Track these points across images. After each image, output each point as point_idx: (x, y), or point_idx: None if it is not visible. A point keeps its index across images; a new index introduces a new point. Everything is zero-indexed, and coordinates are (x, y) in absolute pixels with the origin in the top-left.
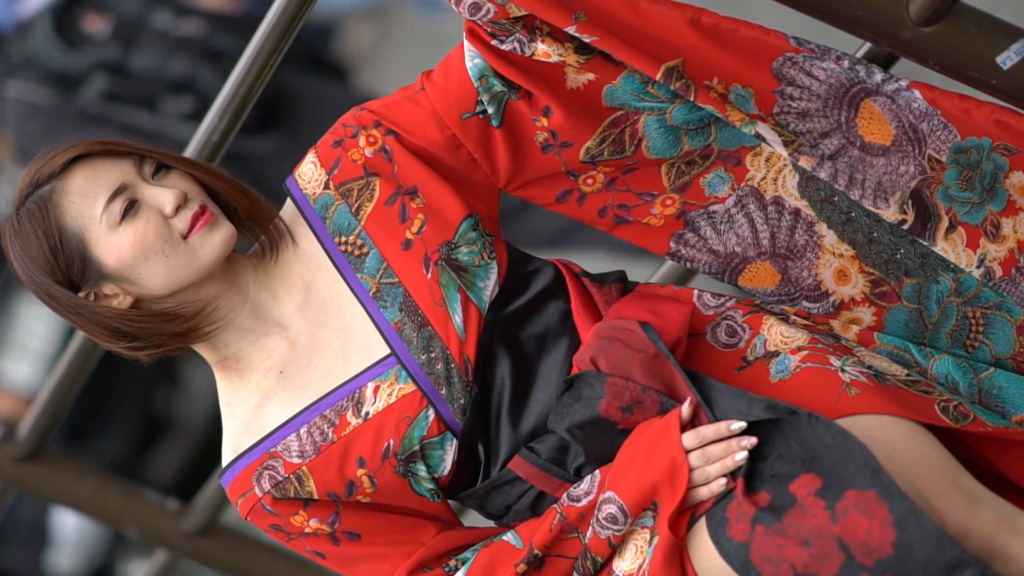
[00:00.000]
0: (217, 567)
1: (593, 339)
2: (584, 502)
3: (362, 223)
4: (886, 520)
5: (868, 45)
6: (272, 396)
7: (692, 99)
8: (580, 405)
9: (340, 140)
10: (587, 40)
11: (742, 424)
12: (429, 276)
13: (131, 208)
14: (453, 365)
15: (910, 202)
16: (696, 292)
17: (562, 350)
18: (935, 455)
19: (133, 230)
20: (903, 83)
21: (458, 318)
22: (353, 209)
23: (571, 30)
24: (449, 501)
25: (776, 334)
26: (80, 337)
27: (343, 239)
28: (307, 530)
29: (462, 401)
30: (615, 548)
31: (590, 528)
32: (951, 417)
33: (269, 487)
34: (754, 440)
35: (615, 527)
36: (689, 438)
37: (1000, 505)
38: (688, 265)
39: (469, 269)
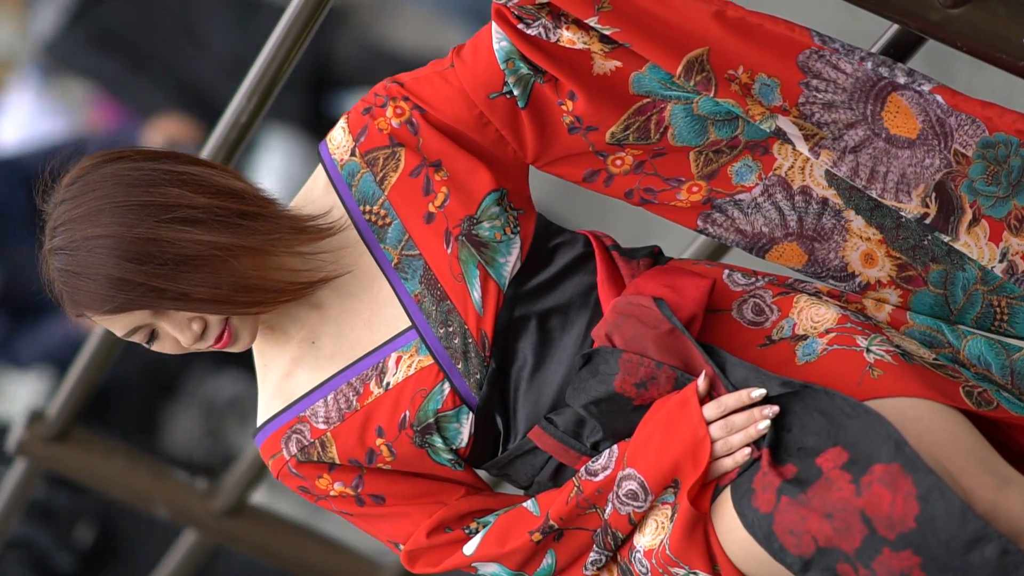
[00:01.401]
0: (245, 547)
1: (610, 315)
2: (601, 476)
3: (386, 193)
4: (910, 493)
5: (896, 27)
6: (303, 363)
7: (712, 94)
8: (596, 381)
9: (369, 108)
10: (608, 32)
11: (762, 391)
12: (449, 251)
13: (151, 340)
14: (470, 340)
15: (933, 195)
16: (727, 271)
17: (584, 324)
18: (965, 435)
19: (158, 347)
20: (926, 87)
21: (476, 294)
22: (378, 178)
23: (593, 21)
24: (477, 472)
25: (806, 318)
26: None
27: (368, 208)
28: (332, 493)
29: (478, 376)
30: (635, 524)
31: (609, 504)
32: (975, 402)
33: (295, 451)
34: (776, 408)
35: (635, 503)
36: (711, 408)
37: None
38: (717, 240)
39: (490, 244)
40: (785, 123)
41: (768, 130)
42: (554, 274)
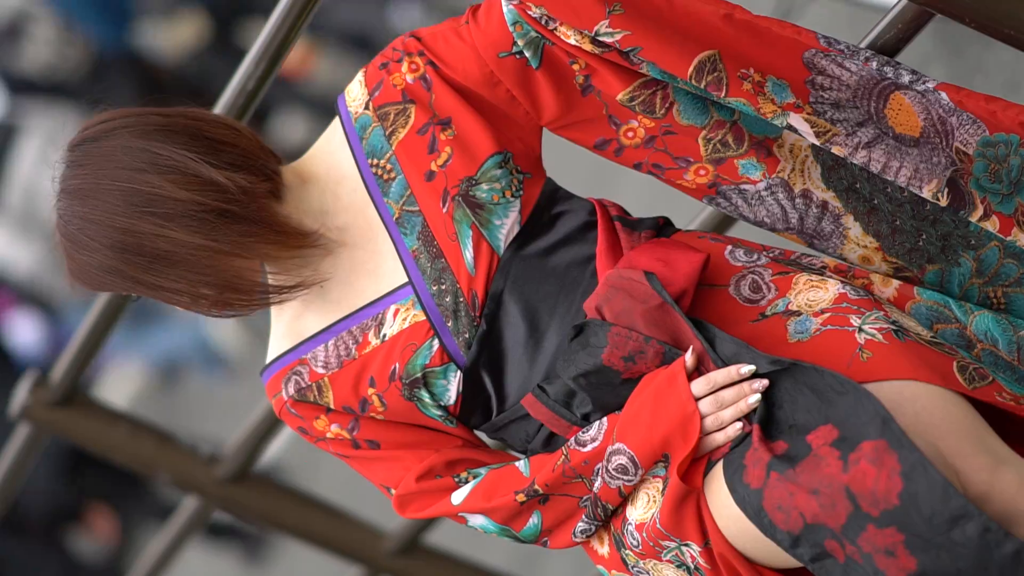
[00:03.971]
0: (249, 514)
1: (601, 287)
2: (589, 448)
3: (393, 148)
4: (894, 470)
5: (904, 1)
6: (311, 307)
7: (723, 94)
8: (585, 353)
9: (386, 63)
10: (616, 36)
11: (751, 367)
12: (445, 210)
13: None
14: (461, 299)
15: (946, 190)
16: (730, 246)
17: (579, 294)
18: (962, 415)
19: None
20: (930, 84)
21: (469, 254)
22: (387, 133)
23: (603, 25)
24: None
25: (803, 299)
26: None
27: (375, 161)
28: (328, 434)
29: (467, 335)
30: (625, 497)
31: (599, 477)
32: (967, 377)
33: (292, 391)
34: (765, 382)
35: (625, 477)
36: (699, 385)
37: None
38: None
39: (486, 206)
40: (797, 120)
41: (780, 126)
42: (555, 241)
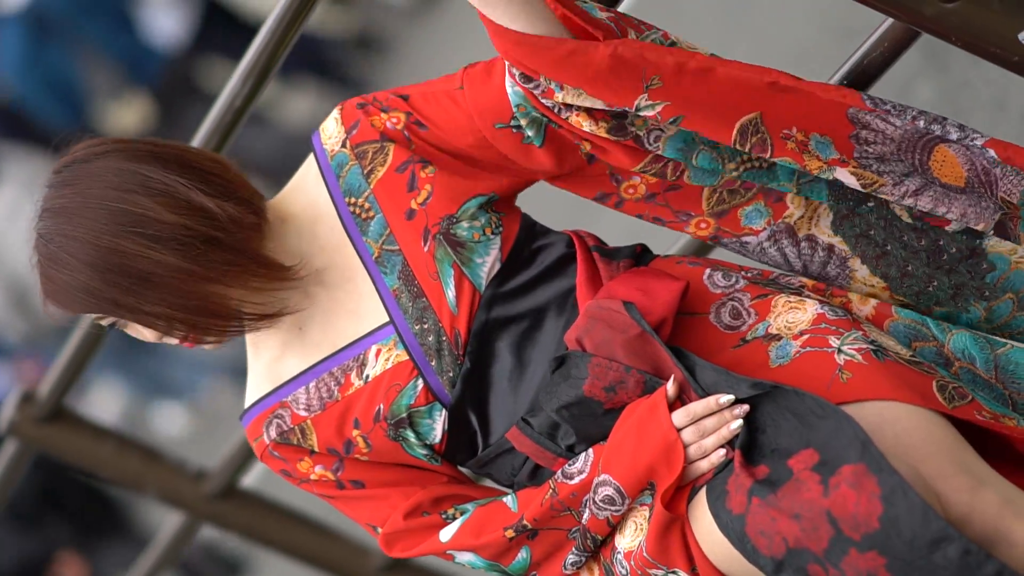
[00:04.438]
0: (235, 530)
1: (581, 319)
2: (576, 480)
3: (371, 186)
4: (874, 493)
5: (891, 21)
6: (290, 349)
7: (768, 155)
8: (567, 385)
9: (365, 105)
10: (657, 108)
11: (730, 397)
12: (426, 249)
13: (119, 327)
14: (444, 338)
15: (992, 232)
16: (708, 271)
17: (561, 326)
18: (941, 435)
19: (131, 333)
20: (979, 141)
21: (451, 293)
22: (365, 171)
23: (642, 99)
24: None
25: (782, 322)
26: None
27: (353, 200)
28: (312, 476)
29: (451, 374)
30: (614, 527)
31: (587, 509)
32: (946, 396)
33: (275, 435)
34: (746, 407)
35: (612, 508)
36: (679, 416)
37: (1007, 489)
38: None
39: (467, 244)
40: (843, 174)
41: (827, 178)
42: (535, 276)
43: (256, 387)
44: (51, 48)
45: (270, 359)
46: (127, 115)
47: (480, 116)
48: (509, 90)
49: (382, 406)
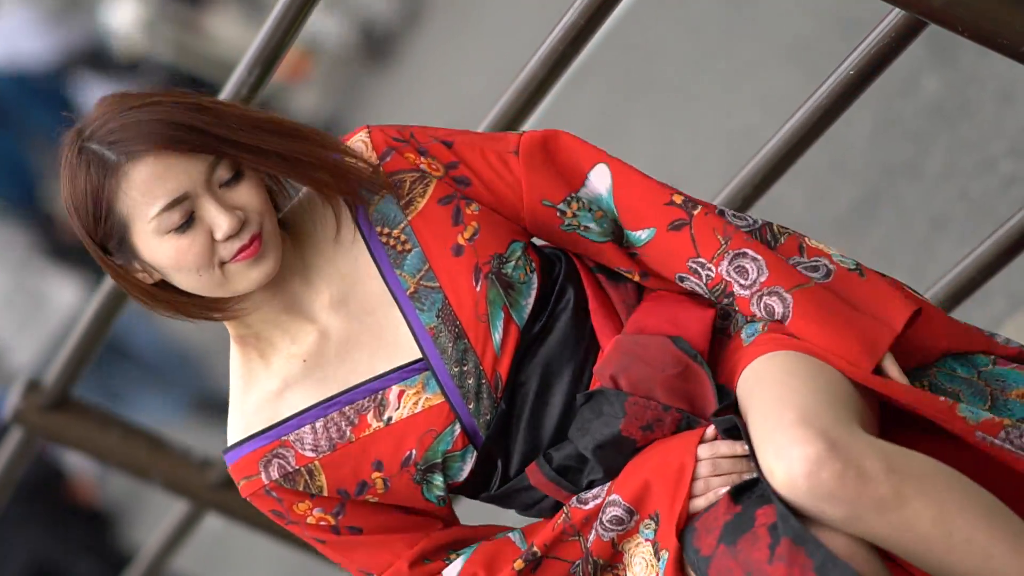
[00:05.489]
0: (240, 519)
1: (614, 354)
2: (591, 505)
3: (409, 219)
4: (807, 566)
5: (897, 11)
6: (292, 383)
7: None
8: (600, 423)
9: (401, 142)
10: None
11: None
12: (478, 288)
13: (184, 224)
14: (484, 381)
15: None
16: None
17: (580, 355)
18: (824, 381)
19: (176, 245)
20: None
21: (498, 335)
22: (402, 202)
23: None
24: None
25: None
26: (106, 286)
27: (385, 230)
28: (309, 519)
29: (488, 417)
30: (617, 548)
31: (593, 532)
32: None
33: (277, 476)
34: None
35: (619, 528)
36: (704, 449)
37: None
38: None
39: (515, 286)
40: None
41: None
42: (552, 307)
43: (246, 422)
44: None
45: (267, 392)
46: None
47: (530, 190)
48: (555, 210)
49: (414, 451)
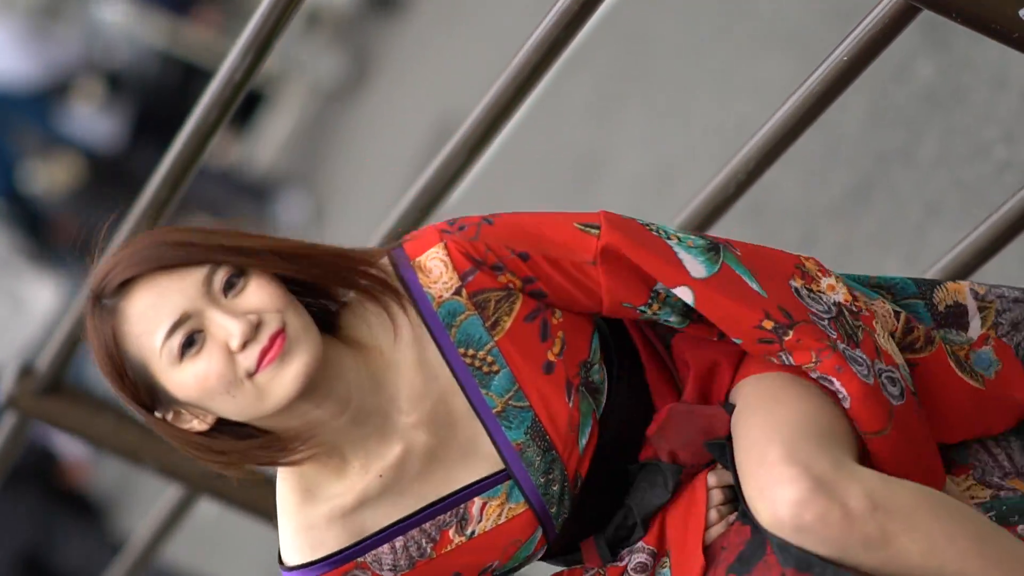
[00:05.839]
0: (234, 503)
1: (671, 422)
2: (624, 561)
3: (496, 339)
4: None
5: None
6: (368, 500)
7: None
8: (652, 495)
9: (479, 262)
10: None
11: None
12: (571, 404)
13: (192, 344)
14: (567, 483)
15: None
16: None
17: (638, 423)
18: (813, 409)
19: (194, 371)
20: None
21: (584, 440)
22: (488, 323)
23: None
24: None
25: None
26: None
27: (471, 352)
28: None
29: (566, 515)
30: None
31: None
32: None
33: None
34: None
35: (643, 574)
36: (712, 478)
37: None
38: None
39: (600, 388)
40: None
41: None
42: (612, 381)
43: (316, 540)
44: None
45: (339, 509)
46: (57, 173)
47: (609, 293)
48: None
49: (497, 562)
